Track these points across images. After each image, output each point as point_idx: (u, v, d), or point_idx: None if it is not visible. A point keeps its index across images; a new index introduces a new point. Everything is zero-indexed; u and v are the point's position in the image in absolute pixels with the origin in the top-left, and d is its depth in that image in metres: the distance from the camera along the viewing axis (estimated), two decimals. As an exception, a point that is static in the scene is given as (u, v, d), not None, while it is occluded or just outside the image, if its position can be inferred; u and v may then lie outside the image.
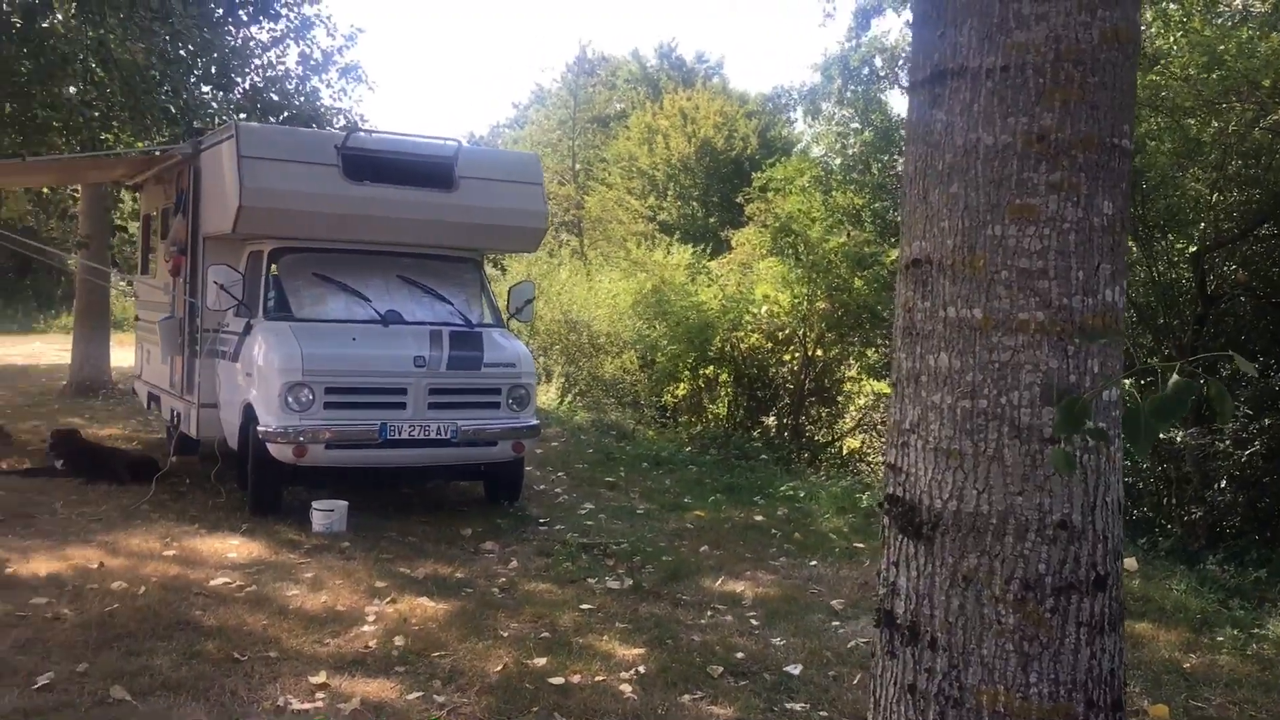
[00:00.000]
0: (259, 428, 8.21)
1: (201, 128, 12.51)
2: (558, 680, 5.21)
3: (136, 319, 13.13)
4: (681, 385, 18.16)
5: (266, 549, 7.56)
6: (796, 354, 17.55)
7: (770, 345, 17.64)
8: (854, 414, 18.39)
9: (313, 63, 16.61)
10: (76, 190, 16.23)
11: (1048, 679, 2.57)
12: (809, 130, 23.68)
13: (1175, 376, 2.21)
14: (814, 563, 7.86)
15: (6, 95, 12.19)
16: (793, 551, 8.21)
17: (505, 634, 5.89)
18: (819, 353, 17.42)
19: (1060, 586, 2.56)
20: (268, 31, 16.22)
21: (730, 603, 6.73)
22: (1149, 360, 11.78)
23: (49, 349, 25.04)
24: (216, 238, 9.47)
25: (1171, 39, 13.13)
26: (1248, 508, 11.74)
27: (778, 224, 18.40)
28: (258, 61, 16.29)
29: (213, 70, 14.55)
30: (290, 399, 8.12)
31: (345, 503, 8.26)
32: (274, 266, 9.03)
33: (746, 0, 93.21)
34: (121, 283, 18.37)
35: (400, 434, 8.36)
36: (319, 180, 8.76)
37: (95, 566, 6.88)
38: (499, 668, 5.35)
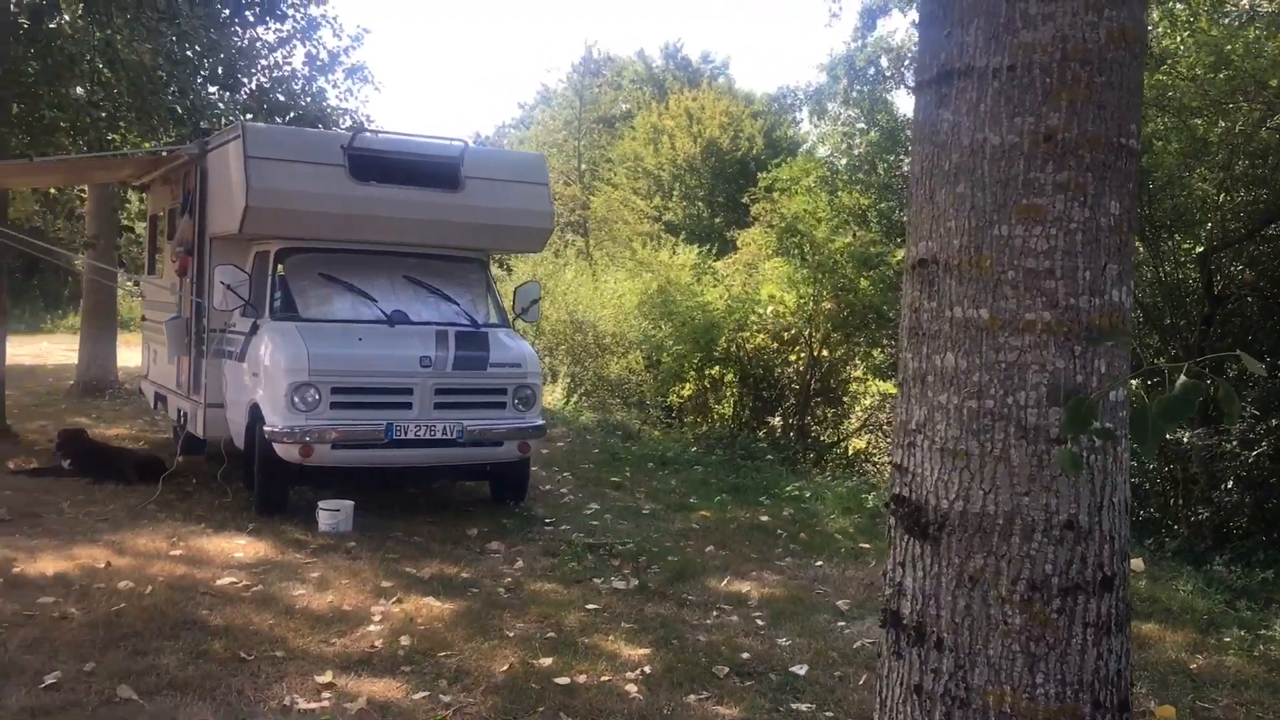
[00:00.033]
0: (265, 427, 8.22)
1: (208, 128, 12.50)
2: (563, 680, 5.21)
3: (143, 319, 13.15)
4: (687, 385, 18.17)
5: (273, 549, 7.57)
6: (802, 354, 17.55)
7: (776, 345, 17.64)
8: (859, 414, 18.38)
9: (319, 63, 16.61)
10: (84, 191, 16.25)
11: (1054, 680, 2.56)
12: (814, 130, 23.74)
13: (1182, 377, 2.21)
14: (820, 563, 7.85)
15: (14, 96, 12.21)
16: (798, 552, 8.21)
17: (511, 634, 5.90)
18: (824, 353, 17.41)
19: (1067, 587, 2.56)
20: (274, 32, 16.23)
21: (736, 603, 6.73)
22: (1155, 361, 11.75)
23: (56, 349, 25.10)
24: (223, 238, 9.49)
25: (1178, 39, 13.10)
26: (1255, 508, 11.70)
27: (783, 224, 18.41)
28: (264, 62, 16.29)
29: (219, 71, 14.56)
30: (296, 399, 8.13)
31: (351, 502, 8.28)
32: (280, 267, 9.04)
33: (752, 0, 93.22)
34: (128, 283, 18.43)
35: (406, 434, 8.37)
36: (325, 180, 8.78)
37: (102, 566, 6.90)
38: (505, 668, 5.35)
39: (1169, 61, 12.70)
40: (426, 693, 5.02)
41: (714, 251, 25.05)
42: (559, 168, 39.46)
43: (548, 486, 10.49)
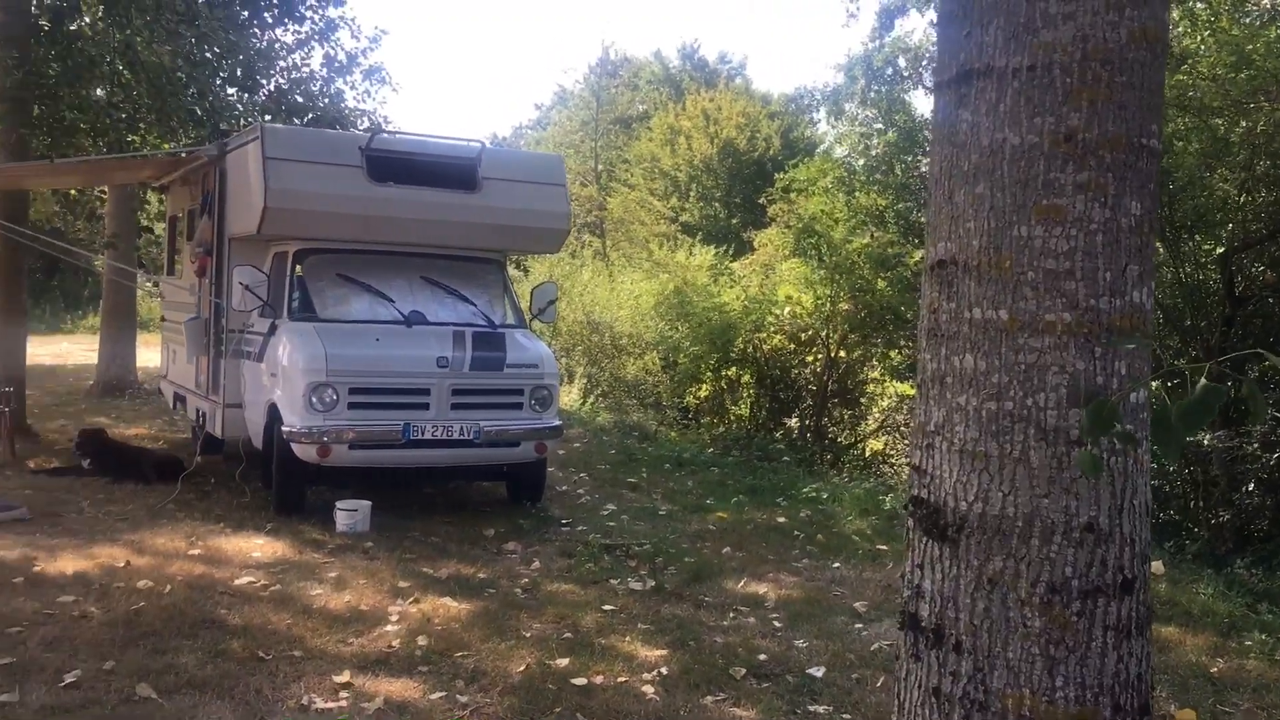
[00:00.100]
0: (283, 428, 8.25)
1: (227, 129, 12.59)
2: (580, 681, 5.21)
3: (162, 319, 13.23)
4: (704, 386, 18.16)
5: (291, 548, 7.60)
6: (819, 355, 17.51)
7: (793, 346, 17.61)
8: (877, 416, 18.33)
9: (337, 64, 16.68)
10: (103, 191, 16.36)
11: (1074, 683, 2.54)
12: (832, 131, 23.69)
13: (1202, 380, 2.19)
14: (837, 565, 7.83)
15: (35, 97, 12.30)
16: (815, 553, 8.19)
17: (528, 634, 5.90)
18: (842, 354, 17.37)
19: (1087, 590, 2.54)
20: (292, 34, 16.31)
21: (753, 604, 6.72)
22: (1176, 362, 11.68)
23: (76, 349, 25.28)
24: (242, 239, 9.53)
25: (1199, 38, 13.03)
26: (1276, 511, 11.62)
27: (800, 225, 18.39)
28: (283, 63, 16.37)
29: (238, 72, 14.64)
30: (314, 399, 8.16)
31: (369, 503, 8.30)
32: (298, 267, 9.08)
33: (769, 1, 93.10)
34: (148, 283, 18.53)
35: (423, 434, 8.38)
36: (343, 181, 8.80)
37: (122, 565, 6.94)
38: (522, 668, 5.35)
39: (1190, 61, 12.63)
40: (443, 693, 5.03)
41: (731, 252, 25.03)
42: (576, 168, 39.49)
43: (564, 487, 10.49)
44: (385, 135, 10.36)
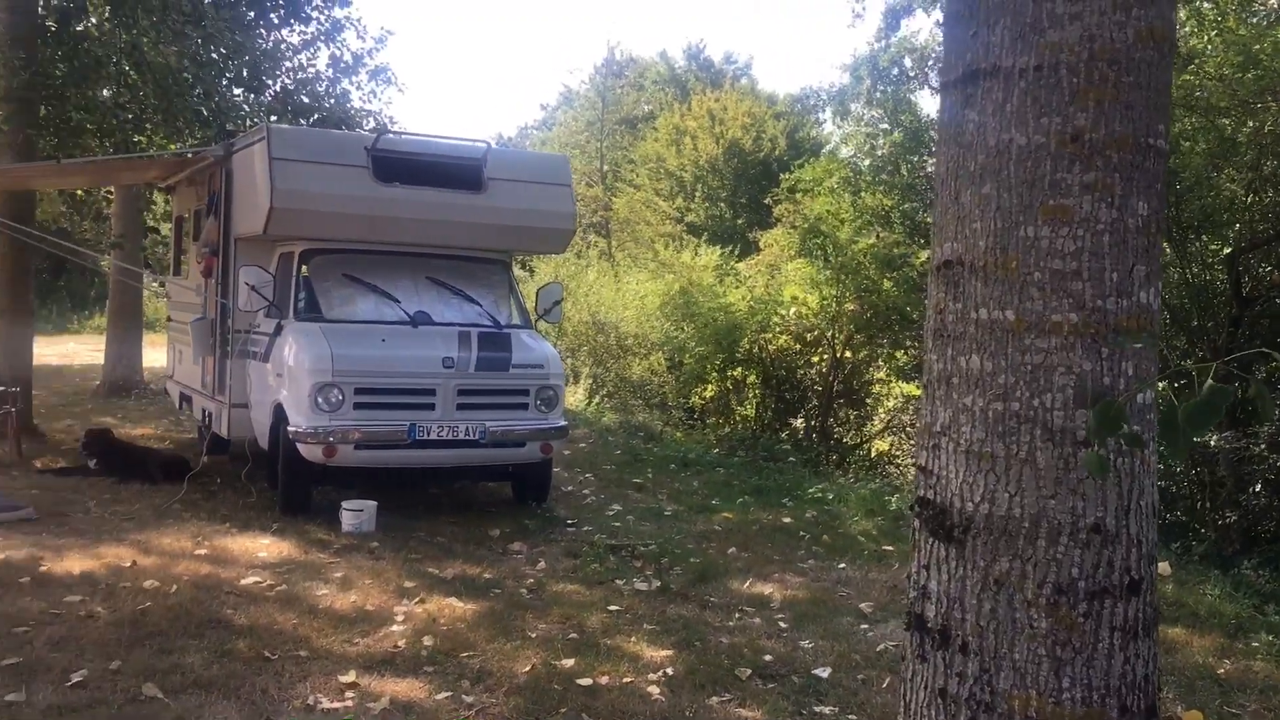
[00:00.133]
0: (289, 428, 8.26)
1: (233, 130, 12.61)
2: (586, 681, 5.21)
3: (169, 320, 13.25)
4: (709, 387, 18.16)
5: (296, 548, 7.60)
6: (825, 356, 17.51)
7: (798, 347, 17.62)
8: (883, 416, 18.33)
9: (343, 65, 16.69)
10: (110, 192, 16.39)
11: (1080, 684, 2.54)
12: (838, 131, 23.62)
13: (1210, 381, 2.18)
14: (843, 565, 7.82)
15: (42, 98, 12.34)
16: (821, 554, 8.19)
17: (533, 635, 5.90)
18: (848, 354, 17.37)
19: (1093, 591, 2.54)
20: (298, 34, 16.32)
21: (758, 605, 6.71)
22: (1183, 363, 11.66)
23: (83, 349, 25.32)
24: (248, 239, 9.54)
25: (1206, 38, 13.01)
26: (1283, 512, 11.60)
27: (806, 225, 18.39)
28: (289, 64, 16.38)
29: (244, 73, 14.65)
30: (320, 399, 8.17)
31: (374, 503, 8.30)
32: (304, 268, 9.09)
33: (775, 1, 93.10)
34: (154, 284, 18.54)
35: (429, 435, 8.39)
36: (349, 182, 8.81)
37: (128, 565, 6.95)
38: (527, 668, 5.36)
39: (1197, 61, 12.61)
40: (449, 693, 5.03)
41: (736, 253, 25.03)
42: (581, 169, 39.53)
43: (570, 487, 10.49)
44: (391, 136, 10.38)
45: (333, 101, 16.29)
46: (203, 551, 7.42)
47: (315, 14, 16.10)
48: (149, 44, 12.89)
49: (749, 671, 5.46)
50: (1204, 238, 13.98)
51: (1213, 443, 11.40)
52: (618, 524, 8.91)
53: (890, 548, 8.29)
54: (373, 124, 16.05)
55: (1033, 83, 2.54)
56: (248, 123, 13.67)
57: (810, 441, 16.40)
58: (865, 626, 6.33)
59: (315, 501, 8.76)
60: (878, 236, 17.14)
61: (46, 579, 6.57)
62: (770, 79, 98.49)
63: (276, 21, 15.57)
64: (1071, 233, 2.51)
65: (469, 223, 9.27)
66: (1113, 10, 2.49)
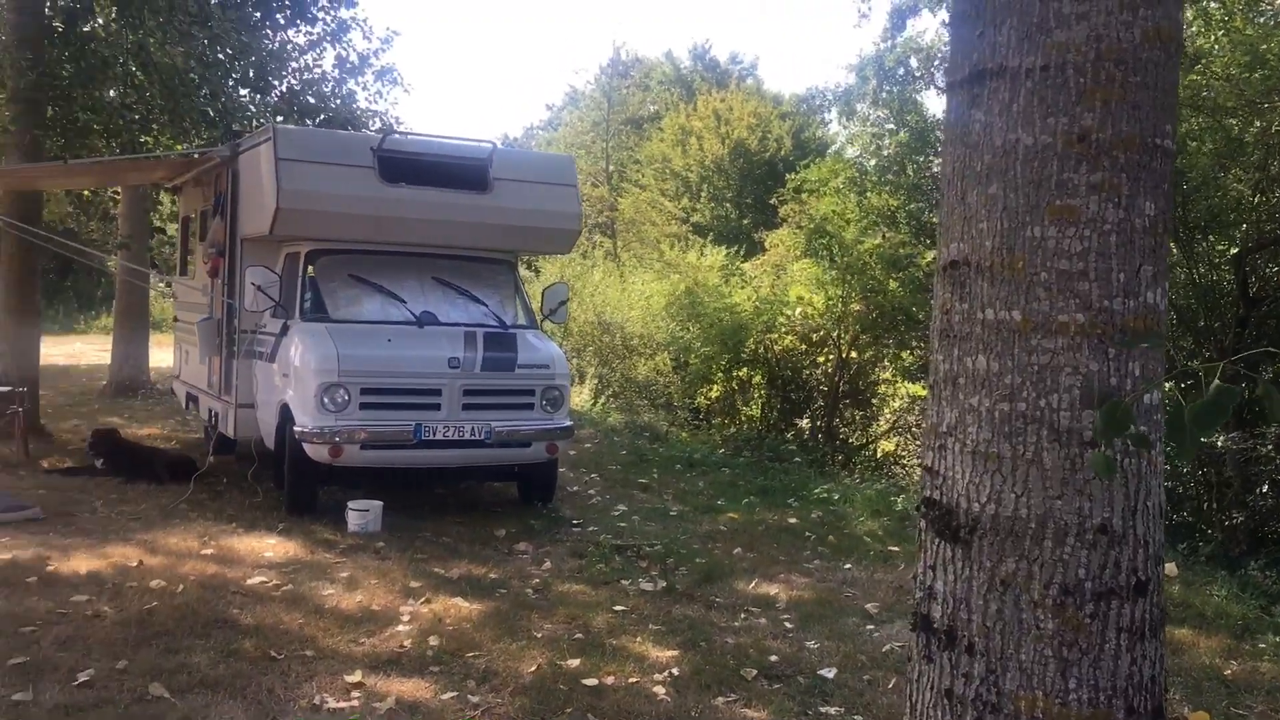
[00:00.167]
0: (295, 428, 8.27)
1: (240, 130, 12.63)
2: (591, 681, 5.21)
3: (175, 320, 13.27)
4: (715, 387, 18.14)
5: (302, 548, 7.61)
6: (830, 356, 17.48)
7: (804, 347, 17.59)
8: (889, 416, 18.30)
9: (349, 65, 16.71)
10: (117, 192, 16.41)
11: (1087, 685, 2.54)
12: (843, 131, 23.66)
13: (1216, 381, 2.18)
14: (848, 566, 7.82)
15: (49, 99, 12.36)
16: (827, 554, 8.18)
17: (539, 635, 5.90)
18: (853, 355, 17.35)
19: (1100, 592, 2.53)
20: (304, 35, 16.35)
21: (764, 605, 6.71)
22: (1190, 363, 11.63)
23: (89, 349, 25.37)
24: (254, 239, 9.56)
25: (1213, 38, 12.99)
26: (1290, 513, 11.57)
27: (812, 225, 18.37)
28: (295, 64, 16.41)
29: (250, 73, 14.69)
30: (326, 399, 8.18)
31: (380, 503, 8.31)
32: (310, 268, 9.10)
33: (781, 1, 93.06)
34: (160, 284, 18.60)
35: (435, 435, 8.39)
36: (355, 182, 8.83)
37: (134, 565, 6.96)
38: (533, 668, 5.36)
39: (1204, 61, 12.59)
40: (455, 693, 5.03)
41: (742, 253, 25.00)
42: (587, 169, 39.50)
43: (575, 488, 10.50)
44: (397, 136, 10.40)
45: (339, 102, 16.32)
46: (209, 551, 7.43)
47: (321, 15, 16.14)
48: (155, 44, 12.90)
49: (754, 672, 5.45)
50: (1211, 238, 13.95)
51: (1220, 443, 11.37)
52: (623, 524, 8.90)
53: (896, 548, 8.28)
54: (379, 124, 16.07)
55: (1039, 83, 2.53)
56: (254, 123, 13.70)
57: (816, 442, 16.39)
58: (871, 627, 6.32)
59: (321, 501, 8.76)
60: (883, 237, 17.12)
61: (53, 578, 6.59)
62: (776, 79, 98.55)
63: (283, 22, 15.61)
64: (1078, 233, 2.51)
65: (474, 223, 9.27)
66: (1119, 10, 2.49)
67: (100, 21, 13.94)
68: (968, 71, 2.68)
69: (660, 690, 5.15)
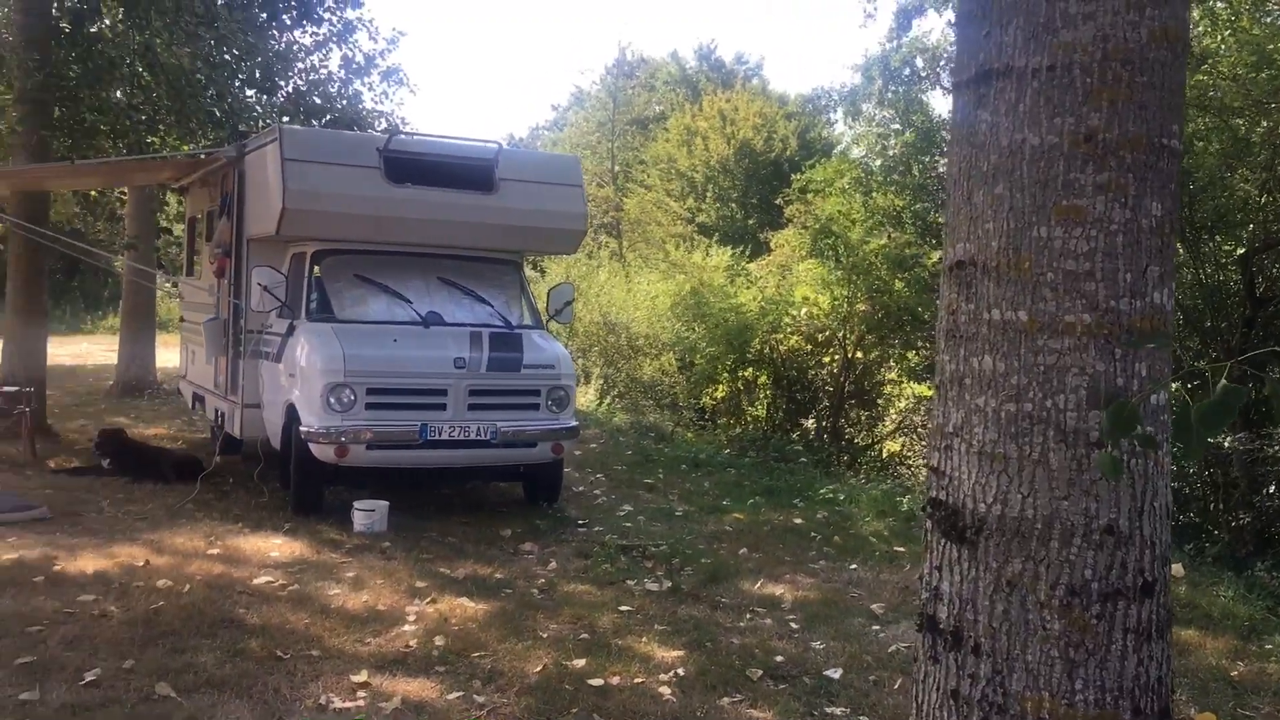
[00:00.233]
0: (301, 428, 8.28)
1: (246, 131, 12.65)
2: (597, 682, 5.21)
3: (181, 320, 13.30)
4: (720, 387, 18.13)
5: (308, 548, 7.62)
6: (836, 356, 17.47)
7: (810, 347, 17.57)
8: (894, 417, 18.27)
9: (355, 66, 16.74)
10: (123, 193, 16.45)
11: (1094, 686, 2.53)
12: (849, 131, 23.66)
13: (1223, 381, 2.17)
14: (854, 566, 7.81)
15: (56, 99, 12.39)
16: (832, 555, 8.17)
17: (545, 635, 5.90)
18: (859, 355, 17.32)
19: (1107, 592, 2.53)
20: (310, 35, 16.37)
21: (769, 606, 6.70)
22: (1196, 364, 11.61)
23: (96, 349, 25.43)
24: (260, 240, 9.57)
25: (1220, 38, 12.96)
26: (1297, 513, 11.54)
27: (817, 226, 18.35)
28: (301, 65, 16.43)
29: (257, 74, 14.70)
30: (332, 399, 8.19)
31: (386, 503, 8.32)
32: (316, 268, 9.11)
33: (786, 1, 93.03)
34: (167, 284, 18.61)
35: (440, 435, 8.40)
36: (361, 182, 8.84)
37: (141, 564, 6.97)
38: (538, 668, 5.36)
39: (1210, 61, 12.57)
40: (460, 693, 5.03)
41: (747, 253, 24.99)
42: (592, 169, 39.50)
43: (581, 488, 10.50)
44: (403, 136, 10.40)
45: (345, 102, 16.34)
46: (215, 551, 7.44)
47: (327, 15, 16.16)
48: (162, 45, 12.94)
49: (760, 672, 5.45)
50: (1217, 238, 13.92)
51: (1226, 444, 11.34)
52: (629, 524, 8.90)
53: (902, 549, 8.27)
54: (385, 125, 16.08)
55: (1046, 83, 2.53)
56: (260, 124, 13.71)
57: (821, 442, 16.37)
58: (877, 628, 6.32)
59: (327, 501, 8.77)
60: (889, 237, 17.10)
61: (60, 578, 6.60)
62: (781, 79, 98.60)
63: (289, 23, 15.63)
64: (1085, 233, 2.51)
65: (480, 223, 9.28)
66: (1126, 10, 2.49)
67: (107, 22, 13.98)
68: (974, 71, 2.67)
69: (666, 690, 5.15)
